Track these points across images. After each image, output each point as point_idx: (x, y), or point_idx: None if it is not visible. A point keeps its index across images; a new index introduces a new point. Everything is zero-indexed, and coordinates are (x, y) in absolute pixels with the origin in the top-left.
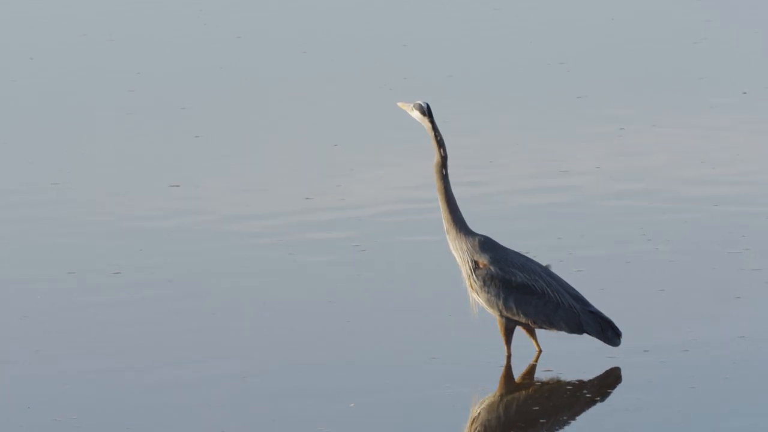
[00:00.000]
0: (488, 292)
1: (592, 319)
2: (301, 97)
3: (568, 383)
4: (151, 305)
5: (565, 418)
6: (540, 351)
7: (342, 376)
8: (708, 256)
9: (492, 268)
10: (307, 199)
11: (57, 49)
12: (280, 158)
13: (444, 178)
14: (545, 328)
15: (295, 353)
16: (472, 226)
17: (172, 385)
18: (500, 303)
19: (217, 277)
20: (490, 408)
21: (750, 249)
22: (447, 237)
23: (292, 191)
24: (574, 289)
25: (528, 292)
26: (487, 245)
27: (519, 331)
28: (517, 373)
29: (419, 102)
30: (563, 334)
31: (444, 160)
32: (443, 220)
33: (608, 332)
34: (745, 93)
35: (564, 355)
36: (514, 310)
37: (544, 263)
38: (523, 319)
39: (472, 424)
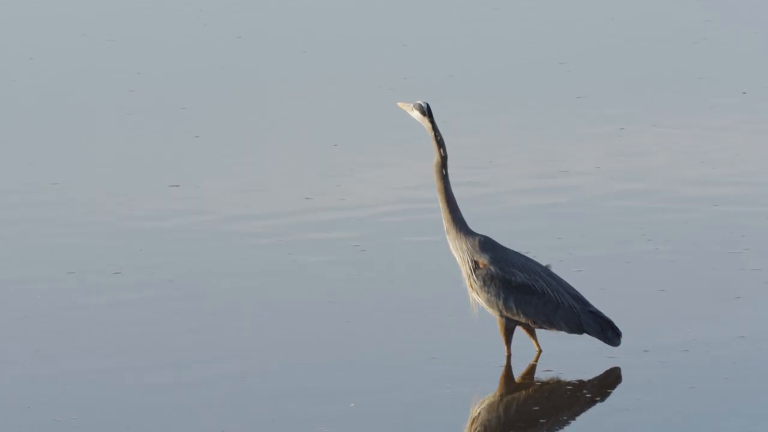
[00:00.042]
0: (488, 292)
1: (592, 319)
2: (301, 97)
3: (568, 383)
4: (151, 305)
5: (565, 418)
6: (540, 351)
7: (342, 376)
8: (708, 256)
9: (492, 268)
10: (307, 199)
11: (57, 49)
12: (280, 158)
13: (444, 178)
14: (545, 328)
15: (295, 353)
16: (472, 226)
17: (172, 385)
18: (500, 303)
19: (217, 277)
20: (490, 408)
21: (750, 249)
22: (447, 237)
23: (292, 191)
24: (574, 289)
25: (528, 292)
26: (487, 245)
27: (519, 331)
28: (517, 373)
29: (419, 102)
30: (563, 334)
31: (444, 160)
32: (443, 220)
33: (608, 332)
34: (745, 93)
35: (564, 355)
36: (514, 310)
37: (544, 263)
38: (523, 319)
39: (472, 424)
